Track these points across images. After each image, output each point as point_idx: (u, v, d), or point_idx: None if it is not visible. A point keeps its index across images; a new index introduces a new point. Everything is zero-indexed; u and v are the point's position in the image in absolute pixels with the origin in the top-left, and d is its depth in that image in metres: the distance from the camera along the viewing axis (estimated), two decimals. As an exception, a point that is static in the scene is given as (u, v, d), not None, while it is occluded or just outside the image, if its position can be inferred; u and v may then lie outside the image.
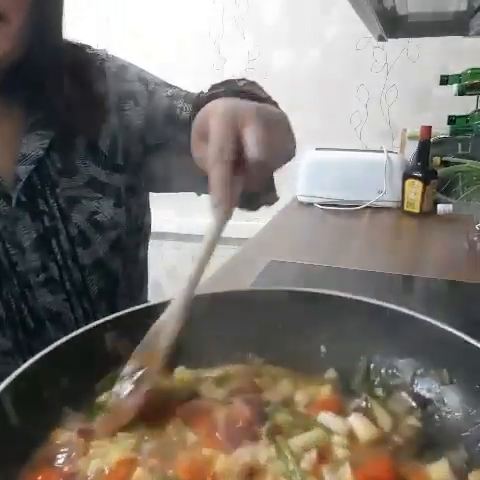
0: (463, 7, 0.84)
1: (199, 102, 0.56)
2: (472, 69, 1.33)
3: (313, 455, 0.27)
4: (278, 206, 1.49)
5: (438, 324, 0.34)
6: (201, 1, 1.76)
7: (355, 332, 0.35)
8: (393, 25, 0.96)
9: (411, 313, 0.35)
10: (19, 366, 0.37)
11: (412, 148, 1.45)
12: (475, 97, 1.38)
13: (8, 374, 0.37)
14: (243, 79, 0.61)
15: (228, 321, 0.36)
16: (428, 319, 0.35)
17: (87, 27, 1.83)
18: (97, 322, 0.39)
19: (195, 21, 1.78)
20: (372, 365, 0.34)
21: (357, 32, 1.59)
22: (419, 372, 0.32)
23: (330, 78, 1.69)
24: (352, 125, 1.71)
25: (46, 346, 0.37)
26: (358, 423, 0.29)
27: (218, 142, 0.38)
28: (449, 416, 0.29)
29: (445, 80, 1.36)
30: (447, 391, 0.30)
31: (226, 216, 0.40)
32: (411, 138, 1.50)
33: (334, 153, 1.49)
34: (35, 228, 0.54)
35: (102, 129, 0.61)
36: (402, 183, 1.37)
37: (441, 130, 1.44)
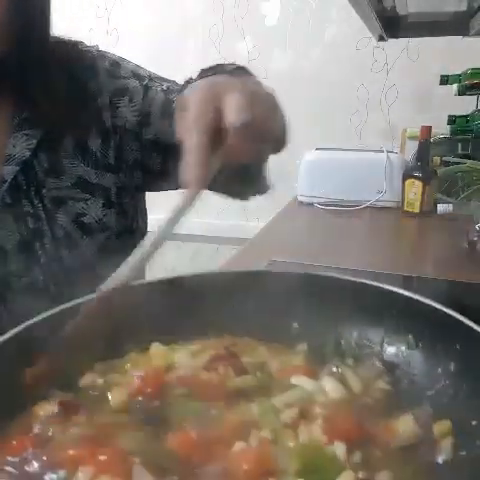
0: (463, 7, 0.84)
1: (187, 86, 0.54)
2: (472, 69, 1.33)
3: (295, 412, 0.30)
4: (278, 206, 1.50)
5: (403, 292, 0.37)
6: (201, 1, 1.76)
7: (325, 308, 0.38)
8: (393, 25, 0.96)
9: (377, 284, 0.38)
10: None
11: (412, 148, 1.45)
12: (475, 97, 1.38)
13: None
14: (233, 64, 0.59)
15: (203, 301, 0.39)
16: (394, 289, 0.37)
17: (86, 26, 1.83)
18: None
19: (195, 21, 1.78)
20: (343, 337, 0.37)
21: (357, 32, 1.59)
22: (387, 340, 0.35)
23: (330, 78, 1.69)
24: (352, 125, 1.71)
25: None
26: (329, 385, 0.32)
27: (194, 110, 0.36)
28: (415, 378, 0.32)
29: (445, 80, 1.36)
30: (413, 355, 0.34)
31: (197, 191, 0.38)
32: (411, 138, 1.50)
33: (334, 153, 1.49)
34: (18, 230, 0.53)
35: (93, 128, 0.59)
36: (402, 183, 1.37)
37: (441, 130, 1.44)
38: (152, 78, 0.68)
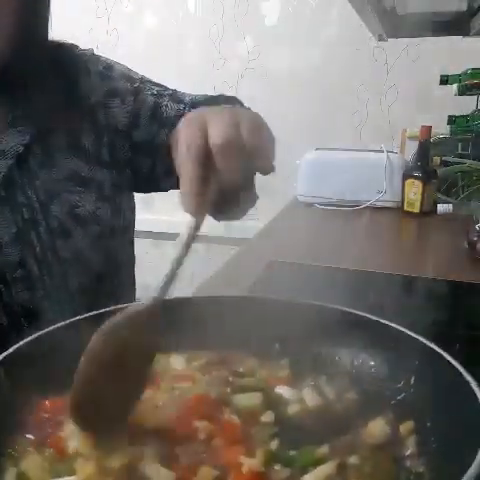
0: (463, 7, 0.84)
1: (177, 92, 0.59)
2: (472, 69, 1.33)
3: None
4: (278, 206, 1.50)
5: (370, 317, 0.42)
6: (201, 1, 1.76)
7: (301, 330, 0.43)
8: (393, 25, 0.96)
9: (348, 310, 0.43)
10: None
11: (412, 148, 1.45)
12: (475, 97, 1.38)
13: None
14: (222, 95, 0.64)
15: (196, 321, 0.44)
16: (362, 314, 0.43)
17: (86, 26, 1.83)
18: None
19: (195, 21, 1.78)
20: (318, 356, 0.43)
21: (357, 32, 1.59)
22: (356, 358, 0.41)
23: (330, 78, 1.69)
24: (352, 125, 1.71)
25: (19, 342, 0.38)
26: (308, 394, 0.38)
27: (184, 141, 0.38)
28: (381, 389, 0.38)
29: (445, 80, 1.36)
30: (379, 371, 0.40)
31: (198, 220, 0.41)
32: (411, 138, 1.50)
33: (334, 153, 1.49)
34: (14, 221, 0.54)
35: (86, 125, 0.62)
36: (402, 183, 1.37)
37: (441, 130, 1.44)
38: (143, 81, 0.70)
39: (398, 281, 0.96)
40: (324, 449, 0.32)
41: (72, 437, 0.33)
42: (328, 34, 1.67)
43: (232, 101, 0.64)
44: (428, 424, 0.33)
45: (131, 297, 0.72)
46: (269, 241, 1.17)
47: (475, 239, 1.04)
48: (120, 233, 0.66)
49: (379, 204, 1.42)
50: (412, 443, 0.33)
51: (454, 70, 1.36)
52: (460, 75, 1.34)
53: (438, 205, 1.33)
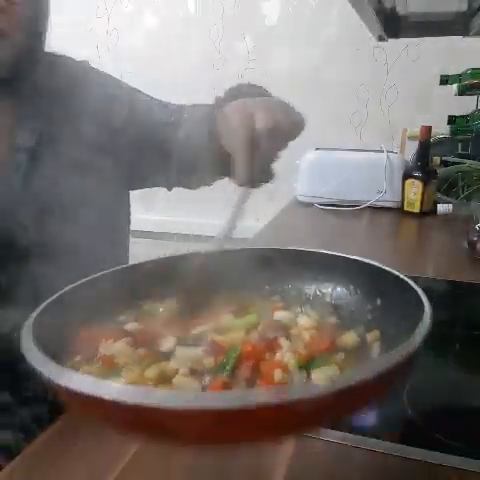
0: (463, 7, 0.84)
1: (218, 103, 0.68)
2: (472, 69, 1.33)
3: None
4: (278, 206, 1.50)
5: (343, 255, 0.50)
6: (201, 1, 1.76)
7: (287, 272, 0.53)
8: (393, 25, 0.96)
9: (325, 252, 0.51)
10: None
11: (412, 148, 1.45)
12: (475, 97, 1.38)
13: None
14: (247, 84, 0.73)
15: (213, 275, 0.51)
16: (337, 253, 0.51)
17: (86, 26, 1.83)
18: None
19: (195, 21, 1.78)
20: (303, 291, 0.52)
21: (357, 32, 1.59)
22: (335, 291, 0.51)
23: (330, 78, 1.69)
24: (352, 125, 1.71)
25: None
26: (301, 318, 0.47)
27: (239, 125, 0.51)
28: (354, 312, 0.48)
29: (445, 80, 1.36)
30: (353, 298, 0.49)
31: (249, 189, 0.51)
32: (411, 138, 1.50)
33: (334, 153, 1.49)
34: (34, 205, 0.62)
35: (87, 124, 0.69)
36: (402, 183, 1.37)
37: (441, 130, 1.44)
38: (136, 90, 0.79)
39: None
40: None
41: (118, 355, 0.40)
42: (328, 34, 1.67)
43: (256, 87, 0.72)
44: (391, 333, 0.41)
45: None
46: (269, 241, 1.17)
47: (475, 239, 1.04)
48: (123, 211, 0.76)
49: (379, 204, 1.42)
50: (377, 348, 0.43)
51: (454, 70, 1.36)
52: (460, 75, 1.34)
53: (438, 205, 1.34)
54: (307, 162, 1.49)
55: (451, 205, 1.33)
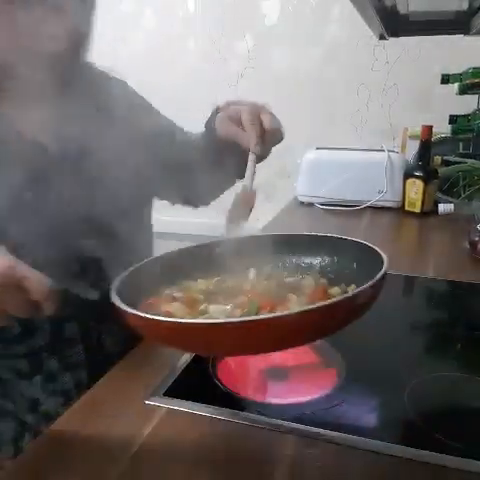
0: (464, 6, 0.83)
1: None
2: (473, 68, 1.33)
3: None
4: (278, 206, 1.50)
5: (326, 234, 0.64)
6: (201, 1, 1.76)
7: (285, 251, 0.67)
8: (394, 24, 0.95)
9: (312, 233, 0.66)
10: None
11: (413, 147, 1.45)
12: (476, 96, 1.38)
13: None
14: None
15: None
16: (322, 234, 0.65)
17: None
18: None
19: (195, 21, 1.78)
20: (293, 262, 0.66)
21: (357, 31, 1.59)
22: (320, 260, 0.65)
23: (330, 77, 1.69)
24: (352, 124, 1.71)
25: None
26: (305, 280, 0.61)
27: (249, 115, 0.65)
28: (338, 274, 0.61)
29: (446, 79, 1.36)
30: (336, 266, 0.63)
31: (257, 155, 0.66)
32: (412, 137, 1.49)
33: (334, 153, 1.48)
34: (76, 187, 0.68)
35: (118, 128, 0.75)
36: (403, 183, 1.37)
37: (442, 129, 1.43)
38: (159, 112, 0.88)
39: (398, 281, 0.96)
40: None
41: (175, 311, 0.54)
42: (328, 33, 1.66)
43: None
44: (363, 283, 0.48)
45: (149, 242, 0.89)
46: (269, 241, 1.17)
47: (476, 239, 1.03)
48: (145, 200, 0.84)
49: (380, 204, 1.41)
50: None
51: (455, 69, 1.36)
52: (461, 74, 1.34)
53: (439, 205, 1.33)
54: (307, 162, 1.49)
55: (452, 205, 1.32)
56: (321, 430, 0.52)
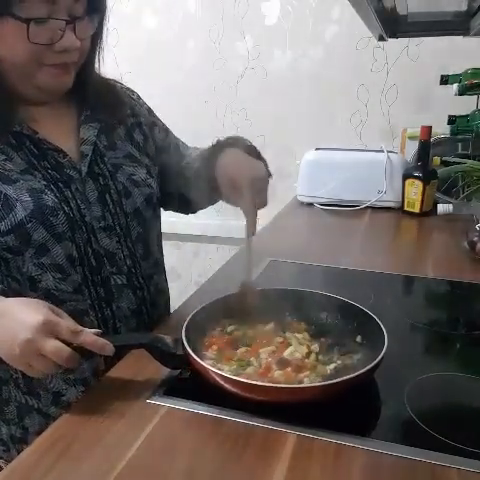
0: (463, 7, 0.84)
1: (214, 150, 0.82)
2: (472, 69, 1.33)
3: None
4: (278, 206, 1.50)
5: (322, 292, 0.75)
6: (201, 1, 1.76)
7: (304, 307, 0.75)
8: (393, 25, 0.96)
9: (326, 294, 0.75)
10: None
11: (412, 148, 1.45)
12: (475, 97, 1.38)
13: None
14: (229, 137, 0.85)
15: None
16: (333, 295, 0.74)
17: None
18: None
19: (195, 21, 1.78)
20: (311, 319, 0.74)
21: (357, 32, 1.59)
22: (331, 320, 0.73)
23: (330, 78, 1.69)
24: (352, 125, 1.71)
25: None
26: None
27: (244, 179, 0.71)
28: (342, 333, 0.70)
29: (445, 80, 1.36)
30: (341, 324, 0.72)
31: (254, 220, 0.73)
32: (411, 138, 1.50)
33: (334, 153, 1.49)
34: (96, 187, 0.75)
35: (136, 127, 0.85)
36: (402, 183, 1.37)
37: (441, 130, 1.44)
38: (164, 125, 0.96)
39: (398, 281, 0.96)
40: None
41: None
42: (328, 34, 1.67)
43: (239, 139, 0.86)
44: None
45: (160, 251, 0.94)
46: (269, 241, 1.17)
47: (475, 239, 1.04)
48: (157, 204, 0.88)
49: (379, 204, 1.42)
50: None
51: (454, 70, 1.36)
52: (460, 75, 1.34)
53: (438, 205, 1.33)
54: (307, 162, 1.49)
55: (451, 205, 1.33)
56: (321, 430, 0.53)
